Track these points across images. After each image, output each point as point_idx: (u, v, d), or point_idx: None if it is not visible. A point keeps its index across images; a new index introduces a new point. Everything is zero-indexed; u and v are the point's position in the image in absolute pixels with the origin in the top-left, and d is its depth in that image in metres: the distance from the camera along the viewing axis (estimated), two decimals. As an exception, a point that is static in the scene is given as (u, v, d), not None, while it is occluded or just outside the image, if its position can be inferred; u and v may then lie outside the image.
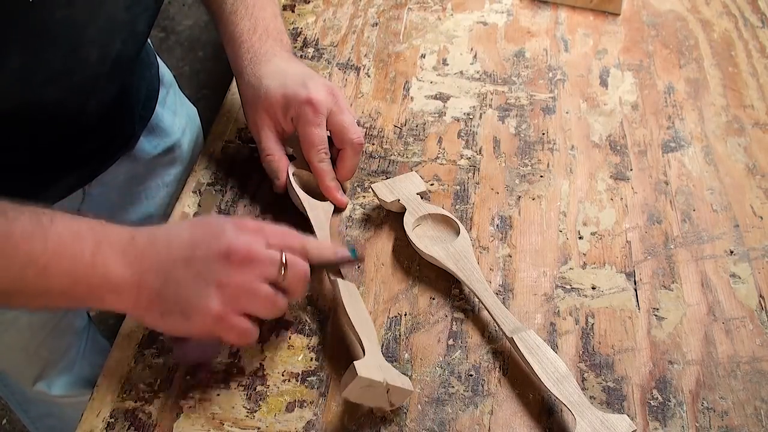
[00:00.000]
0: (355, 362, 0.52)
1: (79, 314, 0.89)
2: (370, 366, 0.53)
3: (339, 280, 0.60)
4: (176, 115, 0.88)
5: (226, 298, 0.52)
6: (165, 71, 0.89)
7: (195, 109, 0.95)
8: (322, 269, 0.62)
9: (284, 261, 0.53)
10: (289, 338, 0.61)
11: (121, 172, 0.81)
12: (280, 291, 0.54)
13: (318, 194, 0.69)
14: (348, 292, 0.60)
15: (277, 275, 0.53)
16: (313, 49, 0.88)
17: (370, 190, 0.71)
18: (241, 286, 0.52)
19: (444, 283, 0.65)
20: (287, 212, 0.70)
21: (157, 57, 0.88)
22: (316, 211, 0.68)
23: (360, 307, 0.60)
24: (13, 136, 0.64)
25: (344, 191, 0.71)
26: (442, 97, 0.83)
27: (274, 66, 0.69)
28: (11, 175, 0.67)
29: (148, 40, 0.86)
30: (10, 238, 0.49)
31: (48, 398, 0.93)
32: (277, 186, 0.69)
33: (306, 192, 0.69)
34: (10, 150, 0.66)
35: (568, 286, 0.65)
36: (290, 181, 0.68)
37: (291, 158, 0.71)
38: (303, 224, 0.66)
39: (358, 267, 0.66)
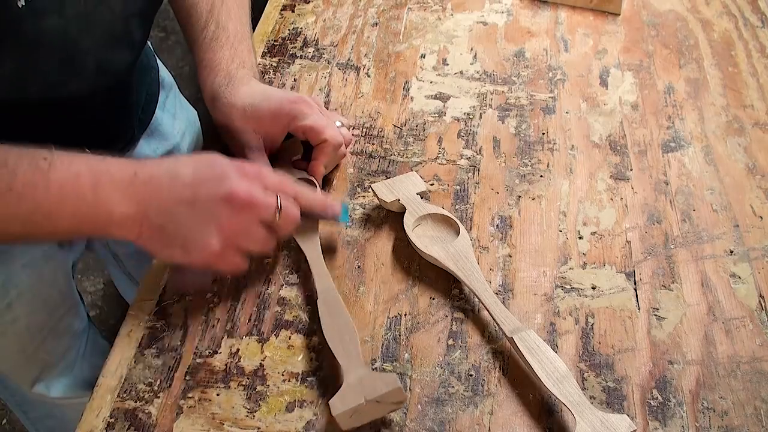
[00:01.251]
0: (329, 401, 0.54)
1: (78, 316, 0.89)
2: (346, 395, 0.54)
3: (319, 298, 0.61)
4: (176, 119, 0.88)
5: (225, 238, 0.56)
6: (165, 74, 0.89)
7: (195, 112, 0.96)
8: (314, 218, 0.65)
9: (279, 206, 0.58)
10: (289, 338, 0.61)
11: None
12: (272, 231, 0.59)
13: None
14: (326, 306, 0.61)
15: (272, 218, 0.58)
16: (313, 49, 0.88)
17: (370, 190, 0.71)
18: (240, 227, 0.57)
19: (444, 283, 0.65)
20: (287, 212, 0.71)
21: (158, 60, 0.88)
22: (307, 236, 0.67)
23: (339, 316, 0.60)
24: (9, 140, 0.64)
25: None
26: (442, 97, 0.83)
27: (251, 87, 0.70)
28: None
29: (149, 43, 0.86)
30: (13, 188, 0.52)
31: (48, 400, 0.93)
32: None
33: None
34: None
35: (568, 286, 0.65)
36: None
37: None
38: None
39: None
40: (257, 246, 0.59)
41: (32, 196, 0.52)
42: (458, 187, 0.73)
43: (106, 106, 0.72)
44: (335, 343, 0.58)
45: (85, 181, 0.54)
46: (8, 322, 0.79)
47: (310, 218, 0.67)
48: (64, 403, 0.93)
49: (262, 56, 0.87)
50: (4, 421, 1.52)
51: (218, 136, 0.79)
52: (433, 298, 0.64)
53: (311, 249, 0.65)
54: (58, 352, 0.88)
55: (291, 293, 0.65)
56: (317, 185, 0.70)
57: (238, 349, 0.61)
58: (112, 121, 0.75)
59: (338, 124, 0.72)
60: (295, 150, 0.73)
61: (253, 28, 0.92)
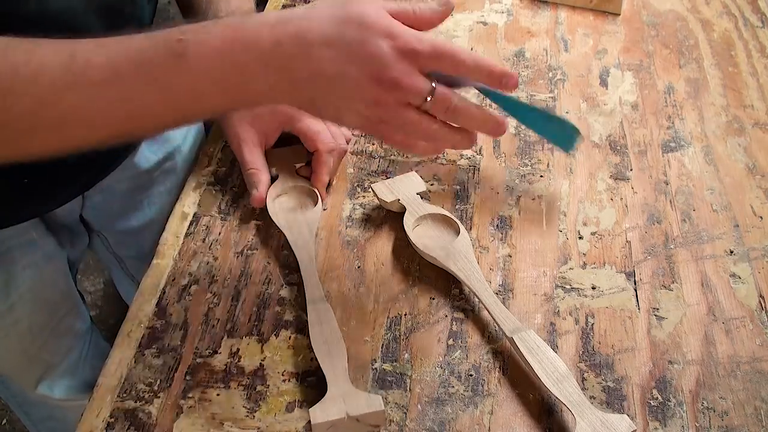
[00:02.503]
0: (310, 409, 0.54)
1: (80, 317, 0.89)
2: (328, 407, 0.54)
3: (309, 308, 0.61)
4: None
5: (372, 116, 0.53)
6: None
7: None
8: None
9: (432, 89, 0.53)
10: (289, 338, 0.61)
11: (121, 179, 0.80)
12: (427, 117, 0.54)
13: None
14: (316, 315, 0.60)
15: (420, 103, 0.53)
16: (313, 49, 0.88)
17: (370, 189, 0.71)
18: (387, 109, 0.52)
19: (444, 283, 0.65)
20: (287, 212, 0.71)
21: None
22: (299, 228, 0.67)
23: (327, 328, 0.60)
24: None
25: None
26: (442, 97, 0.82)
27: None
28: (6, 181, 0.66)
29: None
30: (149, 81, 0.49)
31: (50, 401, 0.93)
32: (255, 197, 0.68)
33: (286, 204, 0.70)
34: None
35: (568, 286, 0.65)
36: (270, 204, 0.69)
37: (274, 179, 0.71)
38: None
39: (358, 267, 0.66)
40: (411, 133, 0.54)
41: (170, 86, 0.50)
42: (458, 187, 0.73)
43: None
44: (322, 355, 0.58)
45: (227, 63, 0.50)
46: (10, 323, 0.79)
47: (304, 220, 0.67)
48: (66, 404, 0.93)
49: (262, 56, 0.87)
50: (4, 421, 1.52)
51: (218, 134, 0.79)
52: (433, 298, 0.64)
53: (304, 254, 0.65)
54: (60, 353, 0.88)
55: (291, 293, 0.65)
56: (320, 198, 0.70)
57: (238, 349, 0.61)
58: None
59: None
60: (298, 157, 0.73)
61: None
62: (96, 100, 0.49)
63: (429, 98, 0.52)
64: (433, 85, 0.52)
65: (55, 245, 0.80)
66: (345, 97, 0.52)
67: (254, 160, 0.69)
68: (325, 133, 0.69)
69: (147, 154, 0.83)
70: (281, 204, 0.70)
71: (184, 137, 0.88)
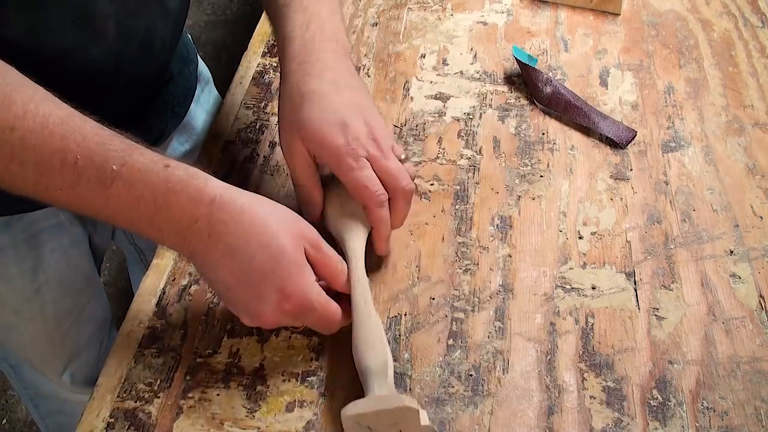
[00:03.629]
0: (344, 407, 0.53)
1: (101, 305, 0.90)
2: (361, 402, 0.53)
3: (354, 309, 0.58)
4: (208, 114, 0.88)
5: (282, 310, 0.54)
6: (203, 68, 0.88)
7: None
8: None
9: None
10: (289, 338, 0.61)
11: None
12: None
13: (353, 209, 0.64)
14: (360, 317, 0.58)
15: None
16: (313, 49, 0.88)
17: None
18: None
19: (444, 283, 0.65)
20: (287, 212, 0.71)
21: (197, 53, 0.87)
22: (354, 242, 0.62)
23: (372, 333, 0.57)
24: None
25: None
26: (442, 97, 0.83)
27: (320, 85, 0.61)
28: None
29: (188, 35, 0.84)
30: (76, 190, 0.50)
31: (62, 394, 0.94)
32: (309, 215, 0.64)
33: (341, 208, 0.64)
34: None
35: (568, 286, 0.65)
36: (325, 215, 0.64)
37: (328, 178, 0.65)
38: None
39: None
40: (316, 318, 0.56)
41: (90, 203, 0.51)
42: (458, 187, 0.73)
43: (138, 92, 0.70)
44: (366, 358, 0.56)
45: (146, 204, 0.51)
46: (37, 307, 0.80)
47: (358, 216, 0.63)
48: (78, 399, 0.93)
49: (262, 56, 0.87)
50: (4, 421, 1.52)
51: (218, 134, 0.79)
52: (433, 298, 0.64)
53: (354, 250, 0.61)
54: (83, 342, 0.88)
55: (291, 293, 0.65)
56: (381, 250, 0.64)
57: (238, 349, 0.61)
58: (144, 110, 0.73)
59: (402, 157, 0.63)
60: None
61: (253, 28, 0.92)
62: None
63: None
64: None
65: (82, 231, 0.80)
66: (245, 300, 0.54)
67: (304, 176, 0.63)
68: (402, 172, 0.61)
69: (175, 145, 0.83)
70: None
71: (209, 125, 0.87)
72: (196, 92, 0.84)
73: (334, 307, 0.56)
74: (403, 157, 0.62)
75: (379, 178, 0.60)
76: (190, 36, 0.85)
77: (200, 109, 0.86)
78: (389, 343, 0.61)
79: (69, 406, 0.97)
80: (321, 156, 0.61)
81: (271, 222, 0.54)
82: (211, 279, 0.54)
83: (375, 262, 0.66)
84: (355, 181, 0.60)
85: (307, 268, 0.54)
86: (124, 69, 0.64)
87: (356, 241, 0.62)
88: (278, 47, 0.65)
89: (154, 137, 0.78)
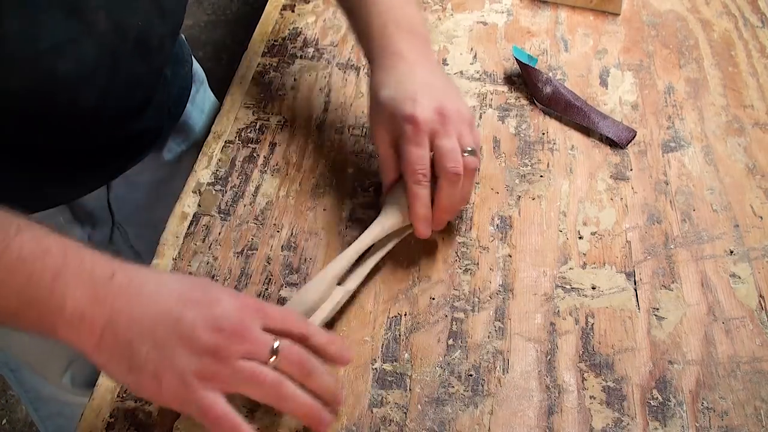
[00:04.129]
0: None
1: None
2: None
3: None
4: (204, 114, 0.88)
5: (205, 369, 0.47)
6: (198, 68, 0.89)
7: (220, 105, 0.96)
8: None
9: (276, 348, 0.49)
10: (289, 338, 0.61)
11: (146, 170, 0.81)
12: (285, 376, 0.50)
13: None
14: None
15: (265, 359, 0.49)
16: (313, 49, 0.88)
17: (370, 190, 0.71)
18: (225, 361, 0.48)
19: (444, 283, 0.65)
20: (287, 213, 0.71)
21: (191, 55, 0.88)
22: (374, 227, 0.64)
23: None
24: (34, 125, 0.63)
25: (445, 224, 0.66)
26: (442, 97, 0.82)
27: (394, 73, 0.64)
28: (35, 167, 0.66)
29: (182, 37, 0.85)
30: None
31: (61, 397, 0.94)
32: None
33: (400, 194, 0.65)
34: (30, 140, 0.64)
35: (568, 286, 0.65)
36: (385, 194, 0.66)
37: None
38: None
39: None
40: (256, 385, 0.49)
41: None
42: (458, 187, 0.73)
43: (134, 92, 0.71)
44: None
45: (50, 262, 0.46)
46: None
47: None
48: (78, 401, 0.93)
49: (262, 56, 0.87)
50: (4, 421, 1.52)
51: (218, 134, 0.79)
52: (433, 298, 0.64)
53: (367, 233, 0.64)
54: None
55: (291, 293, 0.65)
56: (419, 233, 0.64)
57: (238, 349, 0.61)
58: (140, 111, 0.74)
59: (468, 149, 0.62)
60: None
61: (253, 28, 0.92)
62: None
63: (273, 357, 0.49)
64: (277, 343, 0.49)
65: (81, 234, 0.80)
66: (173, 345, 0.47)
67: (384, 154, 0.65)
68: (455, 153, 0.61)
69: (172, 145, 0.83)
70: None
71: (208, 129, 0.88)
72: (192, 92, 0.85)
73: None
74: (469, 149, 0.62)
75: (434, 155, 0.62)
76: (184, 36, 0.85)
77: (196, 110, 0.86)
78: (389, 343, 0.61)
79: (69, 409, 0.97)
80: (396, 130, 0.62)
81: (192, 279, 0.53)
82: (135, 335, 0.47)
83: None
84: (405, 152, 0.61)
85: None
86: (120, 67, 0.64)
87: (377, 227, 0.64)
88: (360, 45, 0.69)
89: (152, 137, 0.78)
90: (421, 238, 0.64)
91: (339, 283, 0.62)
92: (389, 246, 0.65)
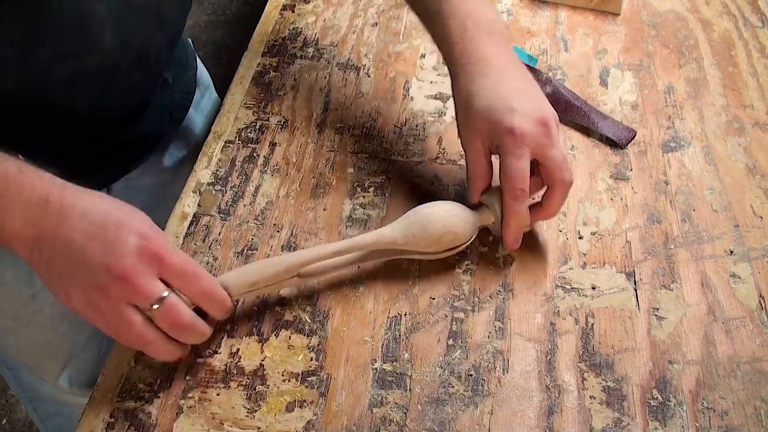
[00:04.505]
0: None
1: None
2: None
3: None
4: (207, 119, 0.88)
5: (93, 301, 0.52)
6: (203, 73, 0.88)
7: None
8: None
9: (161, 298, 0.52)
10: (289, 338, 0.61)
11: (147, 174, 0.80)
12: (150, 322, 0.53)
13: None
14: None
15: (146, 307, 0.52)
16: (313, 49, 0.88)
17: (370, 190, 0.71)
18: (109, 302, 0.52)
19: (444, 283, 0.65)
20: (287, 213, 0.71)
21: (197, 59, 0.87)
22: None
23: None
24: (28, 126, 0.63)
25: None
26: (443, 97, 0.82)
27: (485, 81, 0.63)
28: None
29: (189, 41, 0.84)
30: None
31: (60, 397, 0.94)
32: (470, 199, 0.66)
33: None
34: (25, 139, 0.64)
35: (568, 286, 0.65)
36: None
37: None
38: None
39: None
40: (123, 332, 0.53)
41: None
42: (458, 187, 0.73)
43: (133, 97, 0.70)
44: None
45: None
46: (32, 312, 0.79)
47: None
48: (76, 401, 0.93)
49: (262, 56, 0.87)
50: (4, 421, 1.52)
51: (218, 134, 0.79)
52: (433, 298, 0.64)
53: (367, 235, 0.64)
54: (79, 344, 0.88)
55: (291, 293, 0.65)
56: (509, 245, 0.64)
57: (238, 349, 0.61)
58: (140, 115, 0.74)
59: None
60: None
61: (253, 28, 0.92)
62: None
63: (156, 306, 0.52)
64: (165, 294, 0.52)
65: None
66: (75, 271, 0.52)
67: (475, 163, 0.65)
68: (566, 163, 0.61)
69: (173, 151, 0.82)
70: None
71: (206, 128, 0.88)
72: (195, 97, 0.84)
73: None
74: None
75: (540, 165, 0.62)
76: (190, 41, 0.84)
77: (199, 115, 0.86)
78: (389, 343, 0.61)
79: (68, 409, 0.97)
80: (494, 140, 0.62)
81: (119, 213, 0.55)
82: (52, 256, 0.53)
83: (375, 262, 0.66)
84: (506, 166, 0.61)
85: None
86: (119, 77, 0.65)
87: (373, 236, 0.63)
88: (441, 51, 0.68)
89: (152, 142, 0.78)
90: (508, 248, 0.65)
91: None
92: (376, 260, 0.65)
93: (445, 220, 0.63)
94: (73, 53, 0.59)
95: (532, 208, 0.64)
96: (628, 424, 0.56)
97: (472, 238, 0.65)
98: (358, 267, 0.66)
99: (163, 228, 0.70)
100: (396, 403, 0.57)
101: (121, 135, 0.73)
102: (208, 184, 0.74)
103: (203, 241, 0.68)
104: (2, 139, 0.63)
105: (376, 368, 0.59)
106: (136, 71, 0.67)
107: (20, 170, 0.53)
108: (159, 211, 0.84)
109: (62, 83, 0.61)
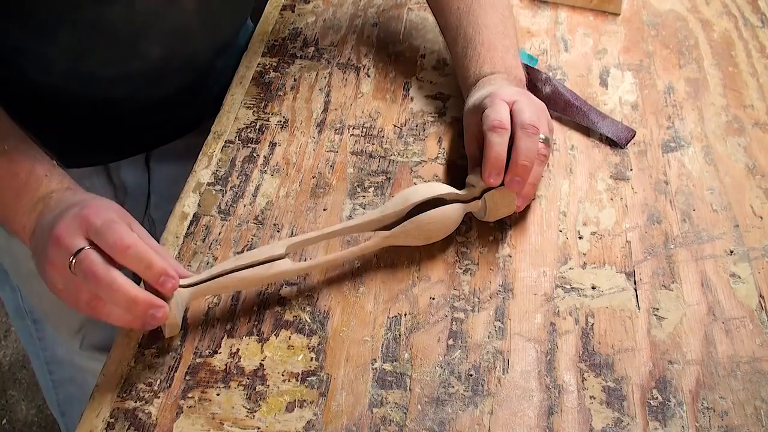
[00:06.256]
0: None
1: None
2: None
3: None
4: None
5: (50, 276, 0.56)
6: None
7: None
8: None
9: (78, 251, 0.53)
10: (289, 338, 0.61)
11: (183, 149, 0.84)
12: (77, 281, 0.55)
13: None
14: None
15: (68, 263, 0.54)
16: (313, 49, 0.88)
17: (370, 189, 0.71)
18: (48, 263, 0.56)
19: (444, 283, 0.65)
20: (287, 213, 0.71)
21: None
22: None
23: None
24: (74, 106, 0.68)
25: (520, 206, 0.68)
26: (442, 97, 0.83)
27: (482, 92, 0.70)
28: (76, 124, 0.73)
29: (251, 24, 0.89)
30: None
31: (76, 360, 0.96)
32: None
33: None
34: (70, 119, 0.71)
35: (568, 286, 0.65)
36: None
37: None
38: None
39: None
40: (72, 297, 0.56)
41: None
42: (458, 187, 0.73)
43: (176, 89, 0.73)
44: None
45: (14, 184, 0.60)
46: None
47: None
48: (91, 367, 0.95)
49: (262, 56, 0.87)
50: (4, 421, 1.52)
51: (218, 134, 0.79)
52: (433, 298, 0.64)
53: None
54: None
55: (291, 293, 0.65)
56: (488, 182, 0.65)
57: (238, 349, 0.61)
58: (182, 100, 0.76)
59: (542, 137, 0.66)
60: None
61: (254, 28, 0.92)
62: None
63: (73, 259, 0.53)
64: (85, 248, 0.54)
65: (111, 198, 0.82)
66: (42, 250, 0.56)
67: (469, 148, 0.71)
68: (495, 113, 0.66)
69: (209, 124, 0.85)
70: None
71: None
72: None
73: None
74: (542, 137, 0.66)
75: (512, 112, 0.66)
76: (251, 22, 0.89)
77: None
78: (389, 343, 0.61)
79: (81, 375, 0.98)
80: (480, 122, 0.67)
81: (95, 203, 0.59)
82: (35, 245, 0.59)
83: (375, 262, 0.67)
84: (484, 114, 0.66)
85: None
86: (164, 78, 0.70)
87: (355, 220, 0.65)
88: (454, 66, 0.77)
89: (192, 122, 0.82)
90: (490, 186, 0.65)
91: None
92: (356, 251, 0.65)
93: (438, 221, 0.66)
94: (122, 60, 0.64)
95: (507, 174, 0.65)
96: (628, 424, 0.56)
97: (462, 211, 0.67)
98: (358, 267, 0.66)
99: (164, 221, 0.70)
100: (396, 403, 0.57)
101: (160, 117, 0.76)
102: (208, 184, 0.74)
103: (203, 241, 0.68)
104: (48, 114, 0.70)
105: (376, 368, 0.59)
106: (181, 75, 0.71)
107: (46, 174, 0.60)
108: (183, 181, 0.87)
109: (107, 81, 0.65)
